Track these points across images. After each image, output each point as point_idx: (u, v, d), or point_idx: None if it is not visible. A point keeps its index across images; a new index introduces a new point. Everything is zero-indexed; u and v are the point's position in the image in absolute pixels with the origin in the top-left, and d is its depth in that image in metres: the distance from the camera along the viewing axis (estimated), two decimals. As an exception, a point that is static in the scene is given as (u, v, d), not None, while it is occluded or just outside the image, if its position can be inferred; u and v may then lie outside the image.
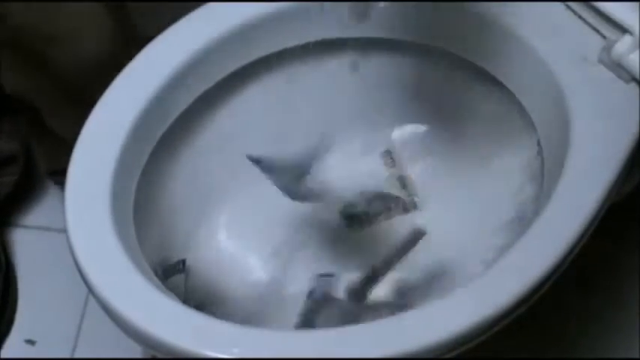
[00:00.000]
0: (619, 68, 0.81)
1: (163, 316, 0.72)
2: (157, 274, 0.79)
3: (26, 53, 0.96)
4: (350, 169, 0.98)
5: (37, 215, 1.23)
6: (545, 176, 0.82)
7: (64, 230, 0.76)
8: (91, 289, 0.74)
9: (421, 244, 0.93)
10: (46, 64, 0.96)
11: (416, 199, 0.95)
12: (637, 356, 1.08)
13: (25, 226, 1.22)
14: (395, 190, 0.96)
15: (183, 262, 0.91)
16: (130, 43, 0.95)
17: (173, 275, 0.89)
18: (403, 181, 0.96)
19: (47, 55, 0.96)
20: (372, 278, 0.91)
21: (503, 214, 0.91)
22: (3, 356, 1.13)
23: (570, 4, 0.84)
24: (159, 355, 0.73)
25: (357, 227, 0.95)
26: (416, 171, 0.98)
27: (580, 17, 0.84)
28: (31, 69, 0.98)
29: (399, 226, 0.95)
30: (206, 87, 0.88)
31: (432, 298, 0.85)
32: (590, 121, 0.79)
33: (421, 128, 0.98)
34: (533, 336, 1.07)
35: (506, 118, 0.92)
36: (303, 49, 0.91)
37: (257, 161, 0.93)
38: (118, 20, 0.96)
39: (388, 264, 0.91)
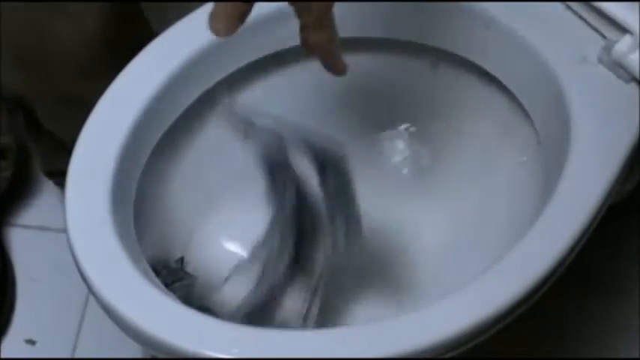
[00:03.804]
0: (619, 68, 0.81)
1: (163, 316, 0.72)
2: (157, 274, 0.79)
3: (22, 52, 0.95)
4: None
5: (36, 215, 1.23)
6: (546, 176, 0.82)
7: (64, 230, 0.77)
8: (91, 289, 0.74)
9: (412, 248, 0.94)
10: (42, 63, 0.96)
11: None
12: (637, 356, 1.08)
13: (25, 226, 1.22)
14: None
15: (182, 259, 0.91)
16: (129, 42, 0.94)
17: (173, 274, 0.89)
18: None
19: (42, 54, 0.95)
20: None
21: (502, 215, 0.91)
22: (3, 356, 1.13)
23: (570, 4, 0.84)
24: (159, 355, 0.73)
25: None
26: (411, 171, 0.98)
27: (580, 17, 0.84)
28: (27, 69, 0.97)
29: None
30: (206, 87, 0.88)
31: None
32: (590, 121, 0.79)
33: (418, 128, 0.98)
34: (532, 336, 1.07)
35: (506, 118, 0.92)
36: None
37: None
38: (118, 20, 0.96)
39: None
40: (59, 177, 0.81)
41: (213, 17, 0.66)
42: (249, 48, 0.88)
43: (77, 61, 0.95)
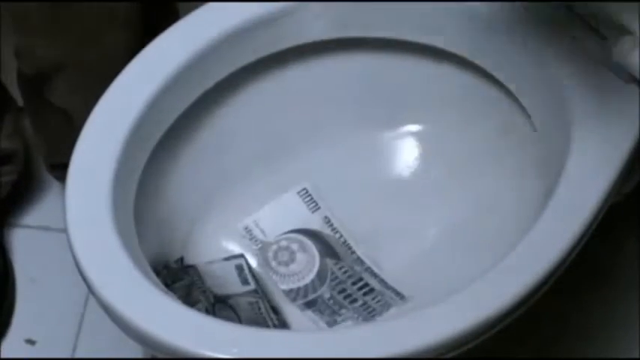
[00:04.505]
0: (619, 68, 0.81)
1: (163, 316, 0.72)
2: (157, 274, 0.79)
3: (58, 18, 0.96)
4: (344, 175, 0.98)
5: (37, 215, 1.23)
6: (546, 177, 0.82)
7: (64, 230, 0.77)
8: (91, 289, 0.74)
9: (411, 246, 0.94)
10: (84, 21, 0.97)
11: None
12: (637, 356, 1.08)
13: (25, 226, 1.22)
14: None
15: (182, 259, 0.91)
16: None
17: (173, 274, 0.89)
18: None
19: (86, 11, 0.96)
20: None
21: (502, 215, 0.91)
22: (3, 356, 1.13)
23: (570, 4, 0.84)
24: (159, 355, 0.73)
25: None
26: (412, 171, 0.98)
27: (580, 17, 0.84)
28: (69, 31, 0.97)
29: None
30: (206, 87, 0.88)
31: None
32: (591, 121, 0.79)
33: (418, 128, 0.98)
34: (533, 336, 1.07)
35: (506, 118, 0.92)
36: (303, 50, 0.91)
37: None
38: None
39: None
40: (61, 170, 0.81)
41: None
42: (249, 48, 0.88)
43: (117, 13, 0.96)
